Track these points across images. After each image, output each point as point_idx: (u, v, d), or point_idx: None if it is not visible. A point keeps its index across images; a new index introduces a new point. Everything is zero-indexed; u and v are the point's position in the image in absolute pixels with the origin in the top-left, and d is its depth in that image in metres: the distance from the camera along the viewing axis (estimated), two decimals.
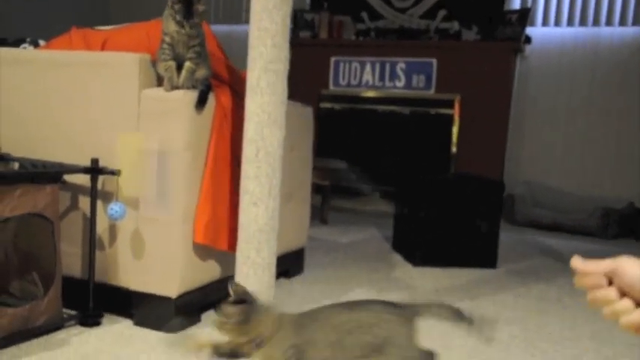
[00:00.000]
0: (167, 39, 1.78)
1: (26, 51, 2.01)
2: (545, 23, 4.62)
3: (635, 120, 4.44)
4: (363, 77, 4.73)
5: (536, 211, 4.30)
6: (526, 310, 2.30)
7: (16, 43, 2.30)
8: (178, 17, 1.74)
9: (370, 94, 4.72)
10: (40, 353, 1.56)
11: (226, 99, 1.90)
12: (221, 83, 1.97)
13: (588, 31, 4.52)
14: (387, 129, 4.69)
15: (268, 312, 1.34)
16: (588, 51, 4.53)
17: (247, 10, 5.64)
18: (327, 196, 3.87)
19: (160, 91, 1.76)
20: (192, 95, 1.76)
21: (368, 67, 4.71)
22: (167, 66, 1.76)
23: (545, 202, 4.44)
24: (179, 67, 1.77)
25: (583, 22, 4.51)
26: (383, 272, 2.74)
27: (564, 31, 4.58)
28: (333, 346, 1.29)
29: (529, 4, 4.61)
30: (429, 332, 1.95)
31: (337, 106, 4.79)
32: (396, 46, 4.67)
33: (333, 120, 4.77)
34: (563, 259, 3.27)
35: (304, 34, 4.90)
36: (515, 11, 4.50)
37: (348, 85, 4.77)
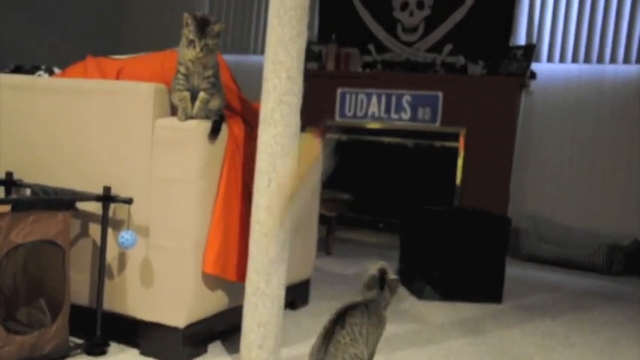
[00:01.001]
0: (182, 69, 1.80)
1: (42, 79, 2.04)
2: (550, 59, 4.67)
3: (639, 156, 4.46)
4: (369, 109, 4.77)
5: (540, 246, 4.28)
6: (533, 346, 2.28)
7: (32, 70, 2.33)
8: (191, 36, 1.75)
9: (375, 125, 4.75)
10: None
11: (239, 130, 1.92)
12: (234, 114, 1.99)
13: (592, 68, 4.56)
14: (392, 161, 4.71)
15: None
16: (593, 88, 4.57)
17: (256, 41, 5.72)
18: (333, 227, 3.86)
19: (174, 121, 1.78)
20: (205, 125, 1.77)
21: (374, 99, 4.75)
22: (182, 96, 1.78)
23: (549, 237, 4.43)
24: (193, 98, 1.79)
25: (587, 59, 4.56)
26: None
27: (569, 68, 4.62)
28: None
29: (534, 40, 4.67)
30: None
31: (343, 137, 4.82)
32: (402, 79, 4.72)
33: (338, 151, 4.79)
34: (570, 296, 3.25)
35: (311, 66, 4.96)
36: (521, 47, 4.55)
37: (354, 116, 4.80)
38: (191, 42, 1.75)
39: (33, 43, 5.08)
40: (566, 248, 4.26)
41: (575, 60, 4.60)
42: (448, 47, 4.85)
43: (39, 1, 5.14)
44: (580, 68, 4.60)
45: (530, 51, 4.47)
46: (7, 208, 1.54)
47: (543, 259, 4.24)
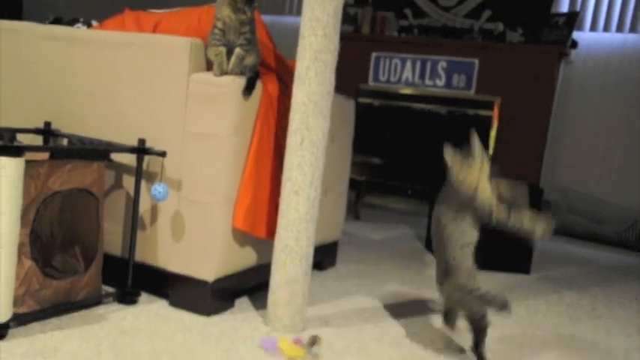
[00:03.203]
0: (219, 24, 1.79)
1: (80, 30, 2.05)
2: (593, 28, 4.53)
3: None
4: (403, 74, 4.70)
5: (571, 219, 4.23)
6: (558, 316, 2.27)
7: (70, 22, 2.34)
8: (240, 5, 1.75)
9: (409, 91, 4.69)
10: (81, 327, 1.59)
11: (273, 87, 1.91)
12: (268, 71, 1.98)
13: (638, 37, 4.41)
14: (424, 128, 4.66)
15: None
16: (636, 58, 4.42)
17: (291, 2, 5.66)
18: (362, 192, 3.86)
19: (208, 76, 1.77)
20: (240, 81, 1.77)
21: (409, 64, 4.68)
22: (218, 51, 1.78)
23: (581, 210, 4.37)
24: (229, 53, 1.78)
25: (633, 28, 4.41)
26: (415, 270, 2.73)
27: (613, 37, 4.48)
28: None
29: (578, 8, 4.52)
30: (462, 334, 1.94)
31: (375, 102, 4.78)
32: (438, 45, 4.63)
33: (370, 115, 4.75)
34: (599, 270, 3.21)
35: (347, 28, 4.89)
36: (563, 14, 4.41)
37: (388, 81, 4.75)
38: (239, 9, 1.75)
39: None
40: (597, 222, 4.20)
41: (620, 29, 4.44)
42: (487, 13, 4.73)
43: None
44: (624, 38, 4.45)
45: (572, 19, 4.33)
46: (45, 155, 1.57)
47: (574, 233, 4.19)
